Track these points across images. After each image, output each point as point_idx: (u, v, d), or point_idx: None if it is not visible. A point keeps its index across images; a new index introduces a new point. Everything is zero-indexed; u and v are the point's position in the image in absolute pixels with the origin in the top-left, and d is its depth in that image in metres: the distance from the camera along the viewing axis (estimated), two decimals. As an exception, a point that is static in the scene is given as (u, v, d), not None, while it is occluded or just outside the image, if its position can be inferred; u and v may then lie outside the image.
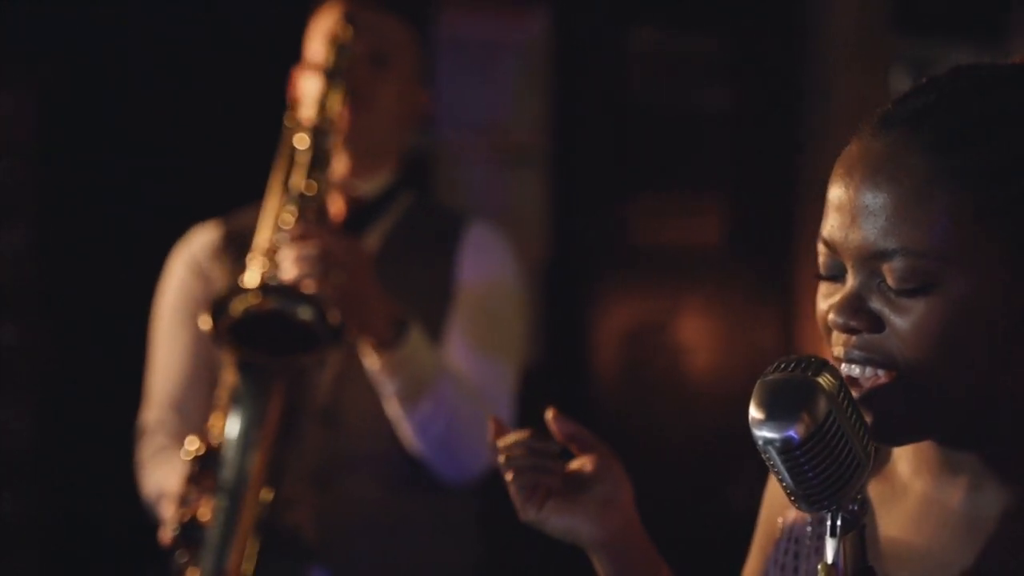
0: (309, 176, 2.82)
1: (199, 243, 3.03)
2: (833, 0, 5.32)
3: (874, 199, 1.42)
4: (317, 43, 2.96)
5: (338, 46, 2.87)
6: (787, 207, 5.29)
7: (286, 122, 2.90)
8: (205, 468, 2.74)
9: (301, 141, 2.85)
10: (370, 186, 3.01)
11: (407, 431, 2.87)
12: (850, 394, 1.38)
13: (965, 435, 1.47)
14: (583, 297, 5.19)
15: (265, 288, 2.74)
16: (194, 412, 2.95)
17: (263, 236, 2.81)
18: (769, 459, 1.36)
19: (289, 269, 2.71)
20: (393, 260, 2.96)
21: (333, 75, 2.86)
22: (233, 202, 3.05)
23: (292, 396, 2.81)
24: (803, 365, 1.37)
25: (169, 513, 2.78)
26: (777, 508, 1.64)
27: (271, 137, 2.92)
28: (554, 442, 1.73)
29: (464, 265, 3.01)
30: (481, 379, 2.95)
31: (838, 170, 1.47)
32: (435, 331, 2.94)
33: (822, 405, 1.34)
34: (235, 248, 2.98)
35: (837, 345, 1.45)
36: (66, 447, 4.22)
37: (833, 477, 1.35)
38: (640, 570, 1.70)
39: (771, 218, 5.33)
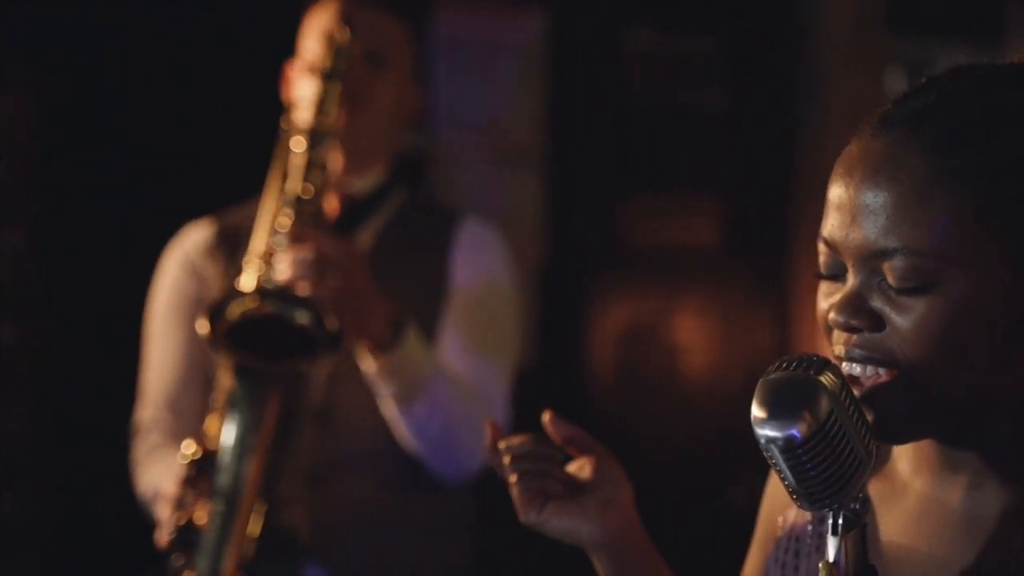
0: (306, 179, 2.81)
1: (192, 241, 3.03)
2: (829, 0, 5.33)
3: (874, 198, 1.42)
4: (311, 40, 2.95)
5: (336, 49, 2.86)
6: (784, 207, 5.29)
7: (283, 124, 2.90)
8: (201, 472, 2.74)
9: (298, 144, 2.84)
10: (363, 183, 3.01)
11: (403, 431, 2.87)
12: (852, 393, 1.38)
13: (965, 434, 1.47)
14: (580, 297, 5.19)
15: (263, 292, 2.74)
16: (188, 410, 2.95)
17: (259, 239, 2.80)
18: (771, 457, 1.36)
19: (285, 272, 2.71)
20: (386, 257, 2.96)
21: (331, 77, 2.85)
22: (232, 202, 3.05)
23: (289, 400, 2.81)
24: (805, 364, 1.37)
25: (165, 514, 2.77)
26: (777, 507, 1.64)
27: (270, 137, 2.92)
28: (554, 445, 1.74)
29: (457, 262, 3.00)
30: (476, 377, 2.95)
31: (838, 170, 1.47)
32: (429, 328, 2.93)
33: (824, 404, 1.34)
34: (228, 246, 2.98)
35: (838, 344, 1.46)
36: (65, 447, 4.22)
37: (835, 476, 1.36)
38: (641, 570, 1.70)
39: (768, 218, 5.33)
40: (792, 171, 5.25)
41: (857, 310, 1.44)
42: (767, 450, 1.36)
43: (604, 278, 5.21)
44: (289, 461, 2.83)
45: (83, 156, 4.24)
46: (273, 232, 2.78)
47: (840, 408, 1.35)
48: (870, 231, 1.42)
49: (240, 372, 2.76)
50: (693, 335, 5.31)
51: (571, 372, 5.14)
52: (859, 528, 1.40)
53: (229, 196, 3.06)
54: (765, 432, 1.35)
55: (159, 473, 2.89)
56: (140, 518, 2.95)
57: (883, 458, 1.55)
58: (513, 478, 1.70)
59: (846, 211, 1.44)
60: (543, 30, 5.05)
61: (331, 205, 2.97)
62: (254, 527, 2.76)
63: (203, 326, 2.74)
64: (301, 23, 3.01)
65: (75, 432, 4.18)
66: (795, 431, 1.34)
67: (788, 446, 1.34)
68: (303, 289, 2.69)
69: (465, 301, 2.98)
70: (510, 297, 3.08)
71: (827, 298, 1.48)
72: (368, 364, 2.81)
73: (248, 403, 2.75)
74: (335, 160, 2.92)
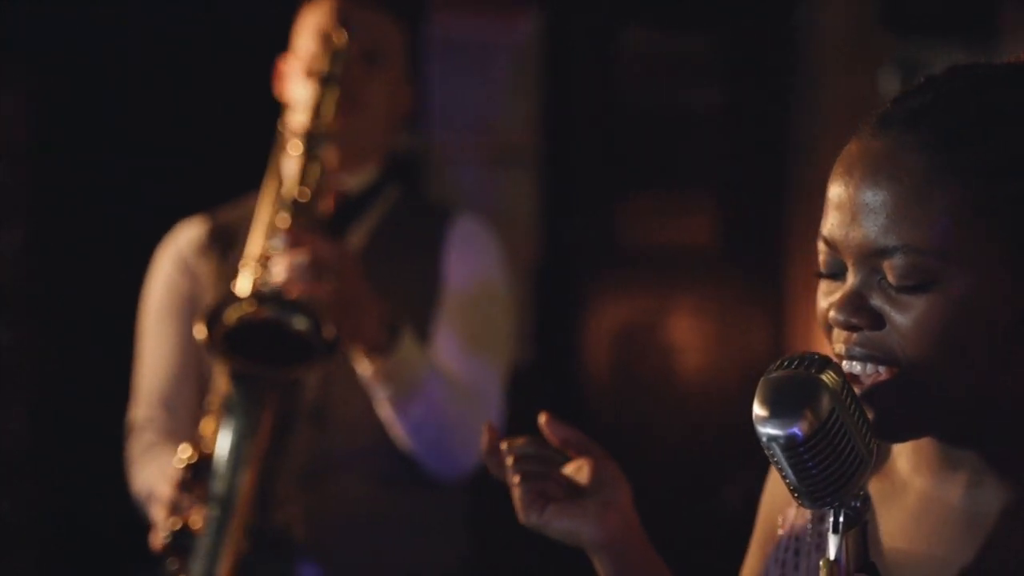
0: (302, 182, 2.81)
1: (185, 239, 3.02)
2: (825, 1, 5.33)
3: (874, 197, 1.43)
4: (306, 38, 2.94)
5: (333, 52, 2.86)
6: (778, 207, 5.29)
7: (279, 127, 2.90)
8: (197, 476, 2.73)
9: (294, 147, 2.84)
10: (356, 181, 3.01)
11: (399, 432, 2.87)
12: (853, 391, 1.38)
13: (965, 432, 1.48)
14: (574, 297, 5.19)
15: (259, 296, 2.74)
16: (183, 409, 2.95)
17: (256, 242, 2.80)
18: (773, 455, 1.37)
19: (281, 276, 2.70)
20: (380, 254, 2.96)
21: (328, 81, 2.85)
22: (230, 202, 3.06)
23: (285, 406, 2.80)
24: (806, 362, 1.37)
25: (159, 516, 2.76)
26: (777, 505, 1.64)
27: (269, 137, 2.92)
28: (551, 447, 1.74)
29: (451, 259, 3.00)
30: (471, 376, 2.95)
31: (838, 169, 1.48)
32: (422, 325, 2.93)
33: (826, 402, 1.35)
34: (221, 244, 2.97)
35: (838, 342, 1.46)
36: (63, 447, 4.22)
37: (836, 474, 1.36)
38: (641, 570, 1.70)
39: (762, 218, 5.34)
40: (788, 171, 5.25)
41: (857, 308, 1.44)
42: (769, 448, 1.36)
43: (599, 278, 5.21)
44: (284, 461, 2.83)
45: (81, 156, 4.24)
46: (269, 235, 2.78)
47: (841, 406, 1.35)
48: (870, 230, 1.43)
49: (237, 377, 2.76)
50: (688, 335, 5.32)
51: (566, 372, 5.14)
52: (860, 526, 1.40)
53: (228, 196, 3.06)
54: (767, 430, 1.35)
55: (153, 473, 2.89)
56: (138, 518, 2.95)
57: (883, 456, 1.55)
58: (516, 479, 1.70)
59: (846, 210, 1.45)
60: (538, 30, 5.06)
61: (325, 204, 2.97)
62: (249, 531, 2.75)
63: (200, 331, 2.73)
64: (295, 19, 3.01)
65: (73, 432, 4.17)
66: (797, 429, 1.34)
67: (790, 444, 1.35)
68: (299, 293, 2.69)
69: (459, 300, 2.98)
70: (504, 295, 3.08)
71: (827, 297, 1.48)
72: (364, 367, 2.81)
73: (245, 409, 2.74)
74: (330, 160, 2.92)
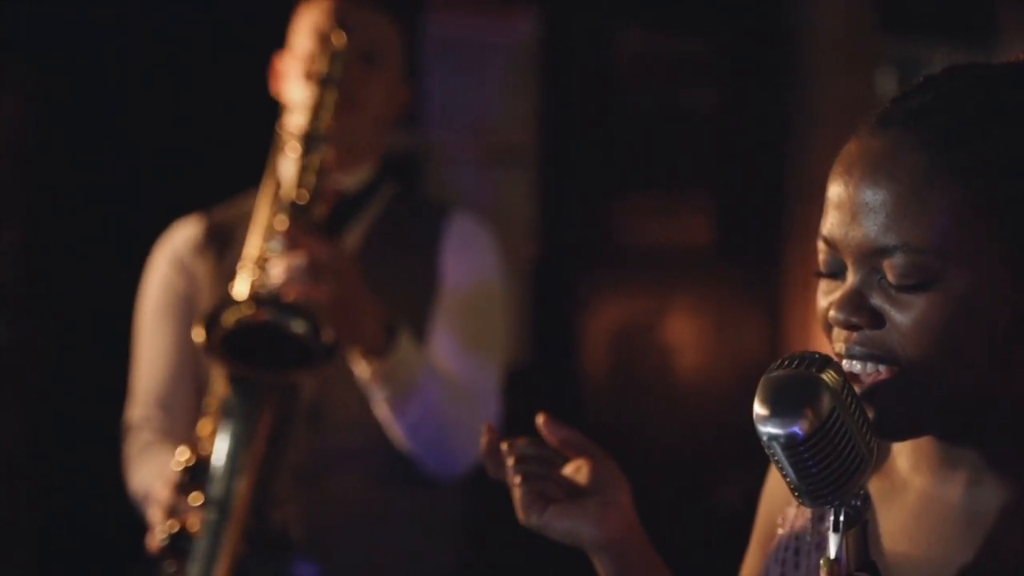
0: (300, 184, 2.81)
1: (181, 238, 3.02)
2: (821, 1, 5.34)
3: (874, 196, 1.43)
4: (303, 37, 2.94)
5: (332, 53, 2.86)
6: (774, 207, 5.30)
7: (278, 128, 2.90)
8: (195, 479, 2.73)
9: (292, 148, 2.84)
10: (352, 180, 3.00)
11: (397, 432, 2.87)
12: (853, 390, 1.38)
13: (965, 431, 1.48)
14: (571, 297, 5.19)
15: (258, 299, 2.73)
16: (179, 408, 2.95)
17: (254, 244, 2.80)
18: (773, 455, 1.37)
19: (279, 279, 2.70)
20: (376, 253, 2.96)
21: (326, 83, 2.85)
22: (230, 202, 3.06)
23: (283, 409, 2.80)
24: (807, 361, 1.37)
25: (156, 517, 2.76)
26: (776, 505, 1.65)
27: (268, 138, 2.92)
28: (550, 448, 1.74)
29: (448, 258, 3.00)
30: (468, 376, 2.95)
31: (837, 168, 1.48)
32: (419, 324, 2.94)
33: (826, 401, 1.35)
34: (218, 243, 2.97)
35: (838, 341, 1.46)
36: (62, 447, 4.22)
37: (837, 472, 1.36)
38: (641, 570, 1.70)
39: (758, 218, 5.34)
40: (784, 171, 5.26)
41: (857, 307, 1.45)
42: (769, 447, 1.36)
43: (596, 278, 5.22)
44: (281, 462, 2.83)
45: (81, 156, 4.24)
46: (267, 237, 2.78)
47: (842, 405, 1.36)
48: (870, 229, 1.43)
49: (235, 380, 2.76)
50: (685, 334, 5.32)
51: (563, 372, 5.14)
52: (860, 525, 1.40)
53: (227, 196, 3.06)
54: (767, 429, 1.36)
55: (150, 472, 2.89)
56: (136, 519, 2.95)
57: (883, 455, 1.56)
58: (516, 480, 1.70)
59: (845, 209, 1.45)
60: (536, 30, 5.06)
61: (323, 206, 2.97)
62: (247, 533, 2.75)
63: (199, 334, 2.73)
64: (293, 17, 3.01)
65: (72, 432, 4.17)
66: (797, 428, 1.34)
67: (790, 443, 1.35)
68: (297, 295, 2.69)
69: (456, 299, 2.98)
70: (500, 294, 3.08)
71: (827, 296, 1.48)
72: (362, 369, 2.81)
73: (243, 412, 2.74)
74: (328, 162, 2.92)
